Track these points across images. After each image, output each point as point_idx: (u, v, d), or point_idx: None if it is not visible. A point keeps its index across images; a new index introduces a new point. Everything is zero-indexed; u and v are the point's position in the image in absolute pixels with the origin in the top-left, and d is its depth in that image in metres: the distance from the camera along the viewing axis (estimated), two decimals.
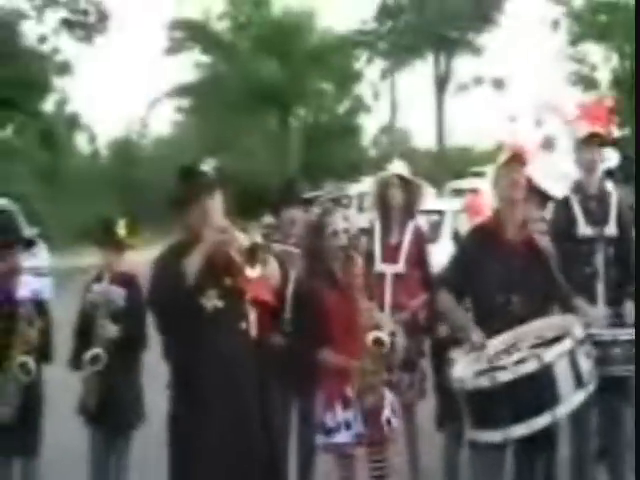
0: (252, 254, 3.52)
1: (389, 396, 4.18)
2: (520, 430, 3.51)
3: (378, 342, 3.97)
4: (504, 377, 3.53)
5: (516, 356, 3.68)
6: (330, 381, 4.14)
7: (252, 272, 3.51)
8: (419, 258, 5.10)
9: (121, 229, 4.87)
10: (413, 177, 5.18)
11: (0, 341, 4.54)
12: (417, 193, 5.18)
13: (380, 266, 5.02)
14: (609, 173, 5.32)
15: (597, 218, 4.51)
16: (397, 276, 4.99)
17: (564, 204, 4.65)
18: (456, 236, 5.36)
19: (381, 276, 4.98)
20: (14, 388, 4.51)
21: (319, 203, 4.90)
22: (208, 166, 3.69)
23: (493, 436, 3.60)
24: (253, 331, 3.62)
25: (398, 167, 5.23)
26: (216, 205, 3.63)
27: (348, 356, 4.03)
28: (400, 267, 4.98)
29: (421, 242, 5.15)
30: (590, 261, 4.46)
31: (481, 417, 3.65)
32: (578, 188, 4.64)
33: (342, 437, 4.08)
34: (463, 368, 3.83)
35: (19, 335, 4.55)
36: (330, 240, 4.19)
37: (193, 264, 3.47)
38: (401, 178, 5.14)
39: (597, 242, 4.47)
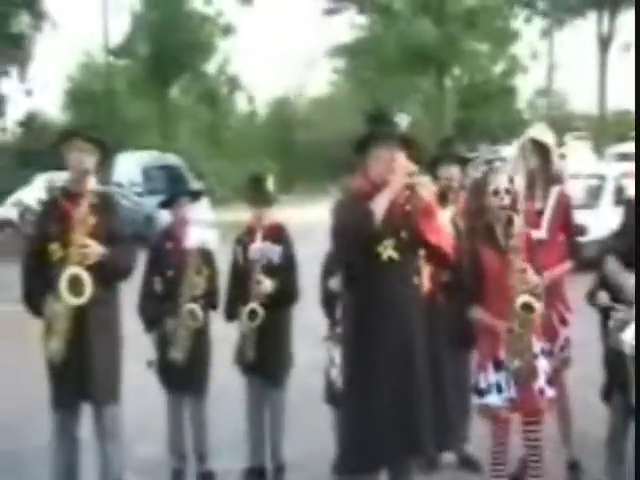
0: (443, 196, 3.58)
1: (544, 365, 4.14)
2: None
3: (527, 307, 3.95)
4: None
5: None
6: (483, 341, 4.16)
7: (443, 214, 3.56)
8: (563, 224, 4.97)
9: (269, 184, 5.00)
10: (547, 141, 5.00)
11: (171, 288, 4.85)
12: (550, 157, 5.00)
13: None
14: None
15: None
16: (539, 242, 4.89)
17: None
18: (624, 201, 5.15)
19: (528, 241, 4.89)
20: (184, 333, 4.80)
21: (475, 164, 4.85)
22: (403, 120, 3.76)
23: None
24: (425, 286, 3.69)
25: (536, 131, 5.09)
26: (401, 156, 3.68)
27: (500, 317, 4.03)
28: (542, 233, 4.88)
29: (566, 208, 5.01)
30: None
31: None
32: None
33: (493, 399, 4.09)
34: (634, 334, 3.75)
35: (188, 283, 4.83)
36: (492, 199, 4.19)
37: (381, 205, 3.56)
38: (537, 142, 4.99)
39: None
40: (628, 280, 3.89)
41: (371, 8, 33.97)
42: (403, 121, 3.76)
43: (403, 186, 3.58)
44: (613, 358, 4.34)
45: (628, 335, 3.76)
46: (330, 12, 34.67)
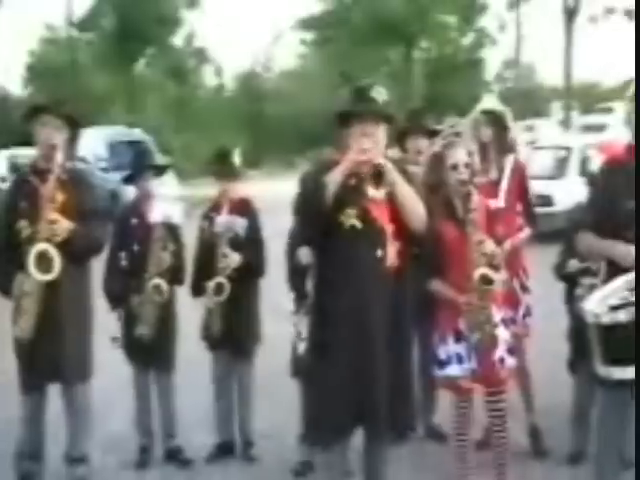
0: (378, 175, 3.58)
1: (504, 334, 4.15)
2: None
3: (485, 279, 3.96)
4: None
5: None
6: (443, 313, 4.18)
7: (376, 193, 3.58)
8: (520, 192, 5.01)
9: (235, 158, 4.96)
10: (499, 110, 5.02)
11: (136, 263, 4.80)
12: (506, 126, 5.02)
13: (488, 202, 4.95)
14: None
15: None
16: (498, 211, 4.92)
17: None
18: (589, 174, 5.19)
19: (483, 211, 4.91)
20: (150, 308, 4.77)
21: (443, 136, 4.82)
22: (379, 95, 3.72)
23: (628, 373, 3.56)
24: (389, 261, 3.67)
25: (486, 103, 5.10)
26: (376, 132, 3.67)
27: (459, 290, 4.04)
28: (500, 202, 4.91)
29: (522, 176, 5.04)
30: None
31: (616, 353, 3.60)
32: None
33: (454, 370, 4.11)
34: (597, 303, 3.78)
35: (153, 258, 4.79)
36: (450, 173, 4.19)
37: (333, 180, 3.56)
38: (490, 113, 5.01)
39: None
40: (602, 243, 3.88)
41: None
42: (381, 95, 3.74)
43: (354, 161, 3.58)
44: (579, 328, 4.38)
45: (590, 304, 3.79)
46: None
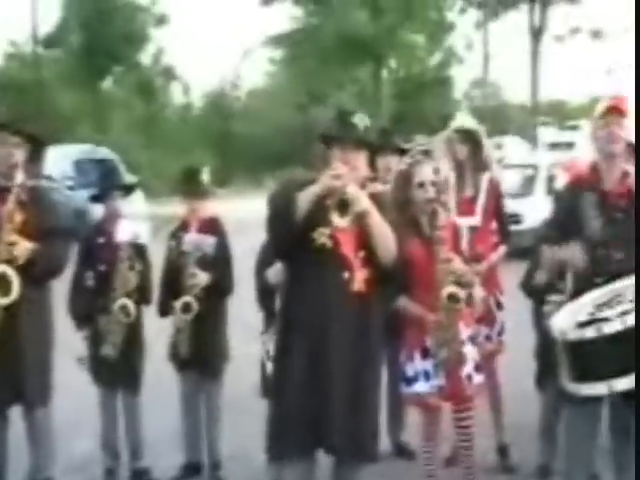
0: (343, 203, 3.55)
1: (471, 352, 4.17)
2: (625, 383, 3.47)
3: (453, 298, 3.97)
4: (610, 328, 3.48)
5: (619, 309, 3.64)
6: (411, 330, 4.18)
7: (340, 221, 3.55)
8: (495, 210, 5.04)
9: (204, 176, 4.94)
10: (475, 128, 5.06)
11: (102, 283, 4.74)
12: (480, 143, 5.06)
13: (455, 219, 4.98)
14: None
15: None
16: (473, 229, 4.95)
17: None
18: (554, 192, 5.24)
19: (456, 229, 4.94)
20: (116, 328, 4.71)
21: (411, 154, 4.84)
22: (361, 121, 3.71)
23: (597, 388, 3.57)
24: (356, 285, 3.61)
25: (459, 121, 5.14)
26: (355, 159, 3.66)
27: (427, 308, 4.05)
28: (476, 220, 4.94)
29: (497, 194, 5.08)
30: None
31: (584, 369, 3.62)
32: None
33: (421, 387, 4.11)
34: (564, 319, 3.80)
35: (120, 278, 4.74)
36: (417, 191, 4.19)
37: (305, 200, 3.54)
38: (464, 131, 5.05)
39: None
40: (569, 250, 3.92)
41: None
42: (363, 122, 3.73)
43: (326, 186, 3.54)
44: (546, 344, 4.40)
45: (557, 321, 3.81)
46: (266, 2, 34.52)
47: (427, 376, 4.10)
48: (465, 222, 4.87)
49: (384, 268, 3.67)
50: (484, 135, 5.06)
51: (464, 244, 4.65)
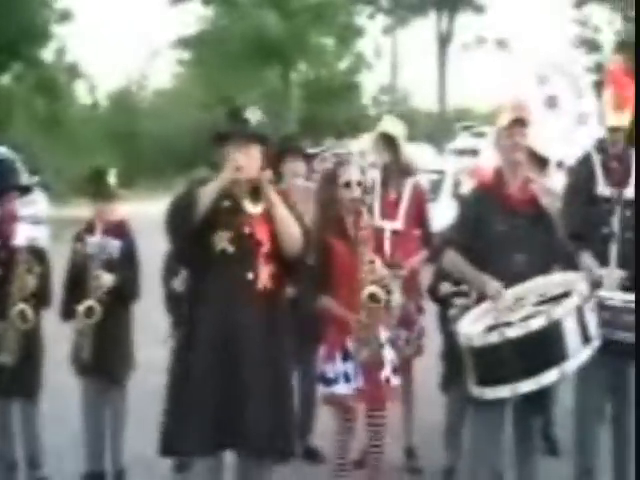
0: (255, 190, 3.56)
1: (390, 355, 4.19)
2: (528, 385, 3.55)
3: (374, 298, 3.98)
4: (513, 333, 3.55)
5: (522, 312, 3.71)
6: (331, 331, 4.18)
7: (252, 208, 3.54)
8: (418, 215, 5.09)
9: (111, 178, 4.84)
10: (395, 134, 5.10)
11: None
12: (403, 149, 5.11)
13: (379, 222, 5.02)
14: None
15: (617, 179, 4.39)
16: (395, 233, 4.98)
17: (585, 162, 4.54)
18: (459, 196, 5.32)
19: (379, 232, 4.98)
20: (14, 335, 4.55)
21: (321, 158, 4.86)
22: (253, 116, 3.68)
23: (501, 392, 3.63)
24: (261, 283, 3.60)
25: (385, 125, 5.17)
26: (249, 152, 3.62)
27: (349, 308, 4.06)
28: (398, 224, 4.98)
29: (420, 199, 5.13)
30: (607, 222, 4.34)
31: (488, 373, 3.68)
32: (600, 147, 4.53)
33: (341, 388, 4.11)
34: (469, 325, 3.86)
35: (17, 282, 4.58)
36: (343, 191, 4.20)
37: (205, 196, 3.51)
38: (389, 136, 5.09)
39: (615, 203, 4.35)
40: (468, 268, 4.00)
41: None
42: (255, 116, 3.71)
43: (228, 178, 3.54)
44: (451, 348, 4.46)
45: (462, 326, 3.87)
46: (175, 2, 34.11)
47: (347, 378, 4.10)
48: (388, 226, 4.92)
49: (288, 262, 3.67)
50: (403, 140, 5.09)
51: (386, 247, 4.70)
